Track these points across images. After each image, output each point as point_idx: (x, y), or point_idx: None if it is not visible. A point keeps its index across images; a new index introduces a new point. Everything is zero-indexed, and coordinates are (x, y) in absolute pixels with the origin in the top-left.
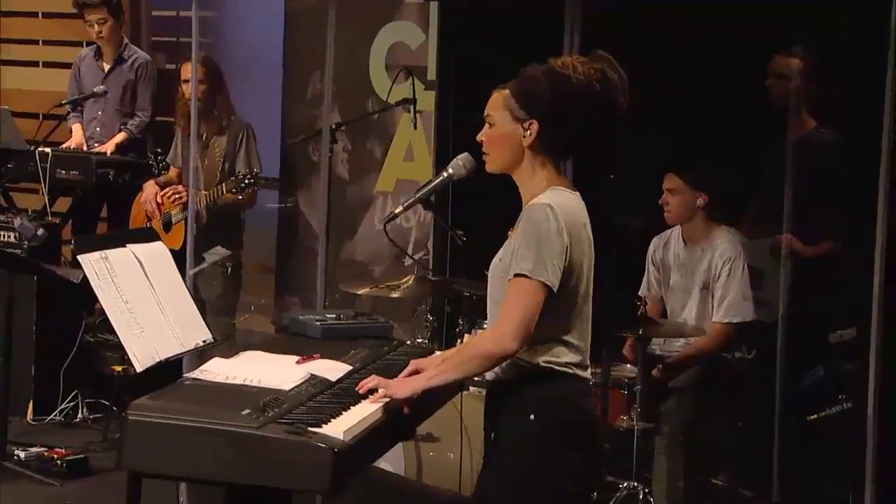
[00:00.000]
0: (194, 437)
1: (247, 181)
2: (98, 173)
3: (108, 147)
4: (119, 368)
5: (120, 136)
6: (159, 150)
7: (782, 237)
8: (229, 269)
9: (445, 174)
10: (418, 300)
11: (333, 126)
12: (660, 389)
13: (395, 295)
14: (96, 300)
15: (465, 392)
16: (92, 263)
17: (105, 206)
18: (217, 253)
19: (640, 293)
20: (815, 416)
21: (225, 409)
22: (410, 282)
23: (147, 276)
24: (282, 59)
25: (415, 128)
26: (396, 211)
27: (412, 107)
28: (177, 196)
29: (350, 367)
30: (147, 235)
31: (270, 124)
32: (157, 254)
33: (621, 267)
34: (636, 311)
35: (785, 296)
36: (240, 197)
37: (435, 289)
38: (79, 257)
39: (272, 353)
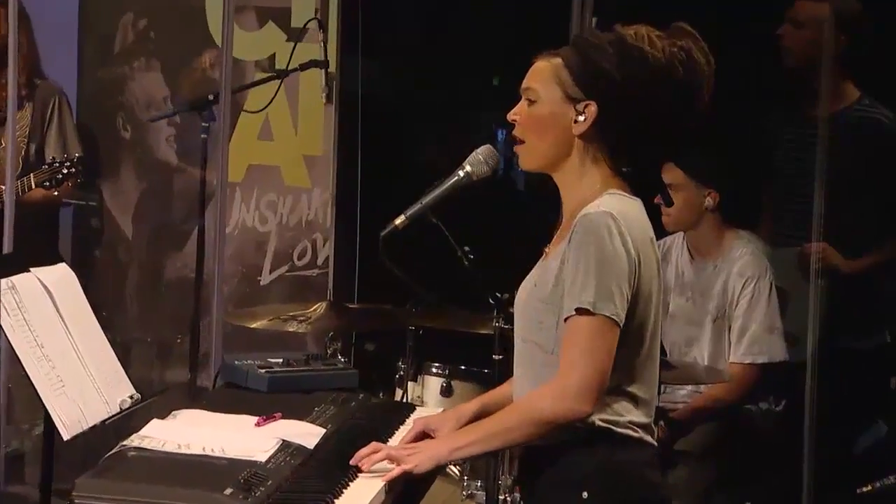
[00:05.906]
0: None
1: (65, 170)
2: None
3: None
4: None
5: None
6: None
7: (812, 246)
8: None
9: (462, 173)
10: (328, 336)
11: (211, 97)
12: (664, 453)
13: (294, 329)
14: None
15: None
16: None
17: None
18: None
19: None
20: (869, 486)
21: (200, 488)
22: (321, 310)
23: (59, 313)
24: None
25: (327, 100)
26: (397, 222)
27: (324, 72)
28: None
29: (324, 430)
30: (48, 255)
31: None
32: (64, 281)
33: None
34: None
35: (816, 324)
36: (55, 192)
37: (353, 320)
38: None
39: (213, 412)
